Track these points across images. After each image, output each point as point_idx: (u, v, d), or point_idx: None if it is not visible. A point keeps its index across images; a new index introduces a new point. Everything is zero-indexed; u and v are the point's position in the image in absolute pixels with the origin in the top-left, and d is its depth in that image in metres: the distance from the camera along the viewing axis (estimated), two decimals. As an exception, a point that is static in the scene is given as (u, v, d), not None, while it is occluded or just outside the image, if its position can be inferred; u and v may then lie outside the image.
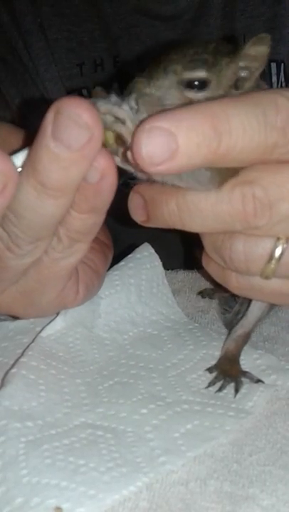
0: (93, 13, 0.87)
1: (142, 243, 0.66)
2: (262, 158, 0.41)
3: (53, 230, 0.45)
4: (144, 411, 0.50)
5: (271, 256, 0.45)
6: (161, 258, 0.65)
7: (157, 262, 0.65)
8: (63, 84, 0.88)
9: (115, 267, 0.64)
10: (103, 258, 0.58)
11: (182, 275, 0.72)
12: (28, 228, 0.44)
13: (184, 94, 0.42)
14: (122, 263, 0.64)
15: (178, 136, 0.38)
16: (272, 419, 0.50)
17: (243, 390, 0.53)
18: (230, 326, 0.60)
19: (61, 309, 0.57)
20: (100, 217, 0.46)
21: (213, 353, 0.57)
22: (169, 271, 0.70)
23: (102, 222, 0.47)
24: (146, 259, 0.65)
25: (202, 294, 0.69)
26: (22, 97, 0.89)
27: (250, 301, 0.57)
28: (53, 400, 0.50)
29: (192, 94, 0.42)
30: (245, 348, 0.57)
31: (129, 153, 0.42)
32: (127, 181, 0.47)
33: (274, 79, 0.85)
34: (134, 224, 0.48)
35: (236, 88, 0.44)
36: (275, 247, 0.44)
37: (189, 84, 0.42)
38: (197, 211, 0.44)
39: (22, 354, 0.54)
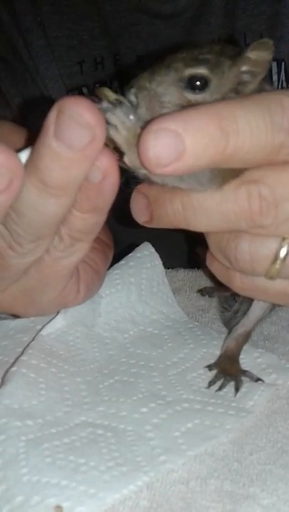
0: (93, 11, 0.87)
1: (143, 242, 0.66)
2: (268, 159, 0.41)
3: (54, 229, 0.45)
4: (145, 410, 0.50)
5: (276, 256, 0.45)
6: (161, 257, 0.65)
7: (157, 261, 0.65)
8: (64, 83, 0.88)
9: (116, 266, 0.64)
10: (104, 257, 0.58)
11: (182, 274, 0.72)
12: (29, 227, 0.44)
13: (183, 94, 0.43)
14: (122, 262, 0.64)
15: (185, 137, 0.38)
16: (273, 418, 0.50)
17: (243, 389, 0.53)
18: (228, 324, 0.60)
19: (62, 308, 0.57)
20: (101, 217, 0.46)
21: (214, 352, 0.58)
22: (170, 270, 0.71)
23: (103, 221, 0.47)
24: (146, 258, 0.65)
25: (202, 292, 0.69)
26: (22, 95, 0.89)
27: (251, 300, 0.57)
28: (53, 399, 0.50)
29: (191, 95, 0.43)
30: (245, 346, 0.57)
31: (126, 158, 0.42)
32: (128, 181, 0.47)
33: (274, 78, 0.85)
34: (134, 224, 0.48)
35: (237, 92, 0.44)
36: (281, 247, 0.44)
37: (189, 84, 0.42)
38: (202, 210, 0.44)
39: (22, 352, 0.54)
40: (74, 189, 0.42)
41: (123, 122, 0.42)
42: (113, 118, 0.42)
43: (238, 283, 0.48)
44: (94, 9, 0.87)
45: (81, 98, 0.39)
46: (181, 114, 0.39)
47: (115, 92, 0.43)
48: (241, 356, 0.57)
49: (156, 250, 0.65)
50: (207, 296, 0.68)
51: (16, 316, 0.59)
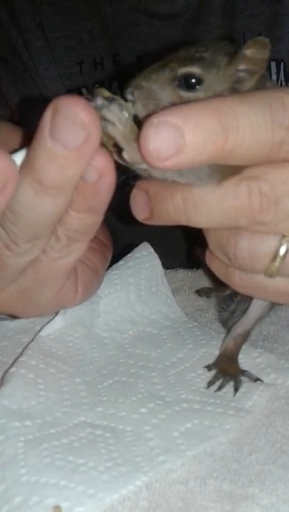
0: (93, 11, 0.87)
1: (141, 242, 0.66)
2: (268, 156, 0.41)
3: (51, 229, 0.45)
4: (144, 410, 0.50)
5: (276, 254, 0.45)
6: (160, 257, 0.65)
7: (156, 261, 0.65)
8: (63, 83, 0.88)
9: (114, 266, 0.64)
10: (102, 258, 0.58)
11: (181, 274, 0.72)
12: (26, 226, 0.44)
13: (177, 92, 0.43)
14: (121, 262, 0.64)
15: (185, 132, 0.38)
16: (272, 418, 0.50)
17: (242, 389, 0.53)
18: (226, 324, 0.60)
19: (60, 309, 0.57)
20: (98, 217, 0.46)
21: (213, 352, 0.57)
22: (169, 270, 0.70)
23: (100, 221, 0.47)
24: (145, 258, 0.65)
25: (199, 292, 0.69)
26: (21, 95, 0.89)
27: (249, 300, 0.57)
28: (52, 399, 0.50)
29: (184, 93, 0.43)
30: (244, 346, 0.57)
31: (125, 154, 0.42)
32: (127, 179, 0.47)
33: (274, 78, 0.85)
34: (134, 221, 0.48)
35: (235, 90, 0.44)
36: (280, 244, 0.44)
37: (184, 82, 0.43)
38: (203, 205, 0.44)
39: (21, 353, 0.54)
40: (70, 188, 0.42)
41: (120, 118, 0.42)
42: (109, 114, 0.42)
43: (238, 281, 0.48)
44: (93, 10, 0.87)
45: (76, 97, 0.39)
46: (183, 108, 0.39)
47: (114, 93, 0.43)
48: (240, 356, 0.57)
49: (155, 250, 0.65)
50: (205, 296, 0.68)
51: (14, 317, 0.59)
